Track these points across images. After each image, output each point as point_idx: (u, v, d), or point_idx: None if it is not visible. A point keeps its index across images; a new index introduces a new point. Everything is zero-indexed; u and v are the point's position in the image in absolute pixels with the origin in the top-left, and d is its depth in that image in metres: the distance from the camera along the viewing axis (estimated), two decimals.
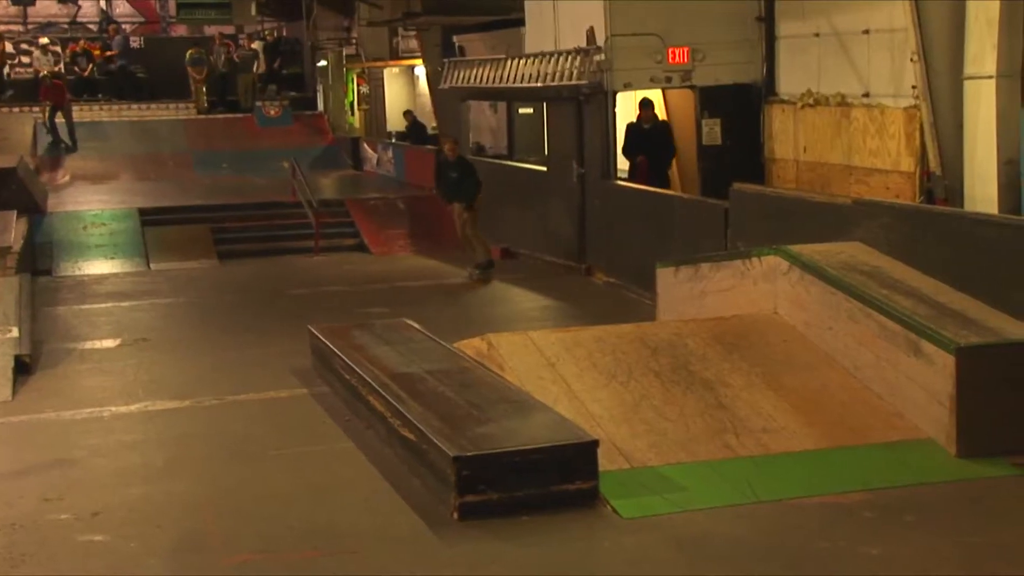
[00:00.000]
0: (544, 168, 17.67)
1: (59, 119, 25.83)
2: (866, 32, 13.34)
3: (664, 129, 16.29)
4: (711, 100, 15.58)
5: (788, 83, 14.87)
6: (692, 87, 15.61)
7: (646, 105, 15.94)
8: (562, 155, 16.76)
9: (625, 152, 15.94)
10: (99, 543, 7.13)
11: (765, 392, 8.69)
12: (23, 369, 11.18)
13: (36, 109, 26.47)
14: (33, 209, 19.66)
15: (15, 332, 11.74)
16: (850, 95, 13.63)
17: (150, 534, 7.21)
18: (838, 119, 13.75)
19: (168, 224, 20.05)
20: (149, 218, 20.16)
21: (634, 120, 16.16)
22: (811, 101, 14.23)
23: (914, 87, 12.16)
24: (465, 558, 6.66)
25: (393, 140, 26.47)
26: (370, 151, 26.61)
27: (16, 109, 26.39)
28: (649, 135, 15.91)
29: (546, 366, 9.10)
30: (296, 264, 18.50)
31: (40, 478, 8.42)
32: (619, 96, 15.74)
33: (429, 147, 23.24)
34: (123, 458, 8.82)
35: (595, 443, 7.46)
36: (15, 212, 18.00)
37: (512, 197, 18.36)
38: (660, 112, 16.67)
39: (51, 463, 8.81)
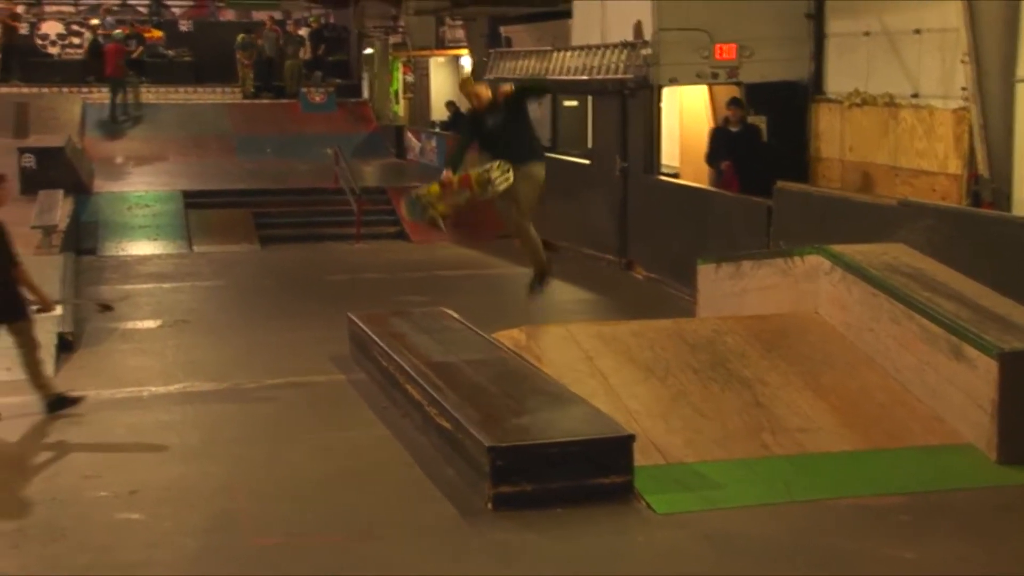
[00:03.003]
0: (587, 161, 17.64)
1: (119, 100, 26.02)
2: (917, 32, 13.20)
3: (754, 132, 15.03)
4: (757, 97, 15.48)
5: (836, 82, 14.75)
6: (738, 84, 15.51)
7: (735, 104, 14.88)
8: (605, 149, 16.72)
9: (709, 159, 14.90)
10: (135, 521, 7.19)
11: (803, 392, 8.64)
12: (66, 347, 11.30)
13: (85, 89, 26.68)
14: (79, 188, 19.84)
15: (59, 310, 11.84)
16: (898, 95, 13.51)
17: (184, 514, 7.27)
18: (885, 119, 13.63)
19: (211, 207, 20.18)
20: (192, 201, 20.30)
21: (720, 124, 15.24)
22: (858, 100, 14.11)
23: (964, 88, 12.04)
24: (497, 548, 6.66)
25: (436, 130, 26.51)
26: (413, 140, 26.66)
27: (65, 89, 26.61)
28: (737, 138, 14.67)
29: (584, 359, 9.09)
30: (336, 251, 18.57)
31: (79, 455, 8.50)
32: (665, 91, 15.67)
33: None
34: (161, 438, 8.88)
35: (631, 437, 7.44)
36: (62, 191, 18.17)
37: (554, 190, 18.22)
38: (705, 109, 16.58)
39: (91, 441, 8.89)
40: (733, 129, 14.63)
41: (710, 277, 11.64)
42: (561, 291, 15.36)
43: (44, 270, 12.89)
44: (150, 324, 11.81)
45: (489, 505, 7.14)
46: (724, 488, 7.45)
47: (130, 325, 12.48)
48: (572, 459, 7.32)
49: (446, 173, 9.91)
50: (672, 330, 9.67)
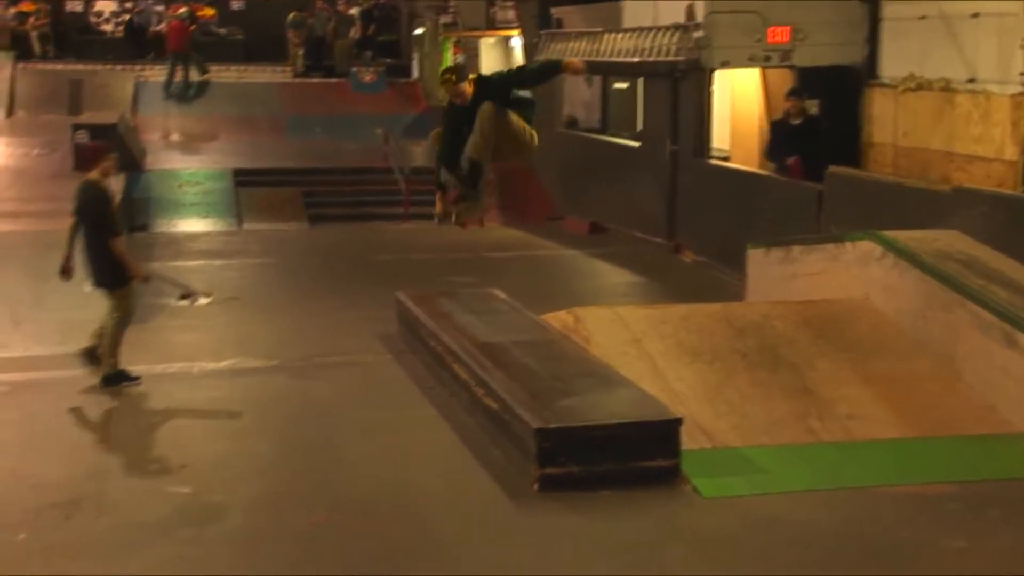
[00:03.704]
0: (637, 144, 17.56)
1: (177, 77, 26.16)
2: (975, 16, 13.00)
3: (816, 124, 14.12)
4: (810, 81, 15.32)
5: (890, 66, 14.57)
6: (791, 67, 15.36)
7: (794, 96, 14.01)
8: (655, 131, 16.64)
9: (770, 154, 14.24)
10: (185, 495, 7.27)
11: (852, 378, 8.58)
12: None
13: (138, 67, 26.84)
14: (131, 165, 19.98)
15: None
16: (954, 80, 13.32)
17: (233, 489, 7.33)
18: (940, 104, 13.45)
19: (261, 186, 20.27)
20: (242, 179, 20.40)
21: (780, 117, 14.31)
22: (913, 85, 13.92)
23: (1022, 74, 11.86)
24: (542, 530, 6.67)
25: None
26: None
27: (119, 67, 26.78)
28: (800, 132, 13.79)
29: (632, 342, 9.07)
30: (384, 230, 18.61)
31: (131, 430, 8.59)
32: (716, 74, 15.56)
33: None
34: (210, 414, 8.97)
35: (678, 421, 7.41)
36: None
37: (603, 172, 18.28)
38: (756, 92, 16.44)
39: (142, 416, 8.98)
40: (794, 122, 13.94)
41: (759, 262, 11.58)
42: (609, 273, 15.36)
43: None
44: (200, 300, 11.88)
45: (535, 486, 7.15)
46: (771, 473, 7.42)
47: (181, 301, 12.55)
48: (619, 442, 7.31)
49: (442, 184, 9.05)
50: (720, 314, 9.63)
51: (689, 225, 15.87)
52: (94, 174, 9.55)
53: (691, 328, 9.26)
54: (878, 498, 7.09)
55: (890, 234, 9.80)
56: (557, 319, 9.70)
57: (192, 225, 18.46)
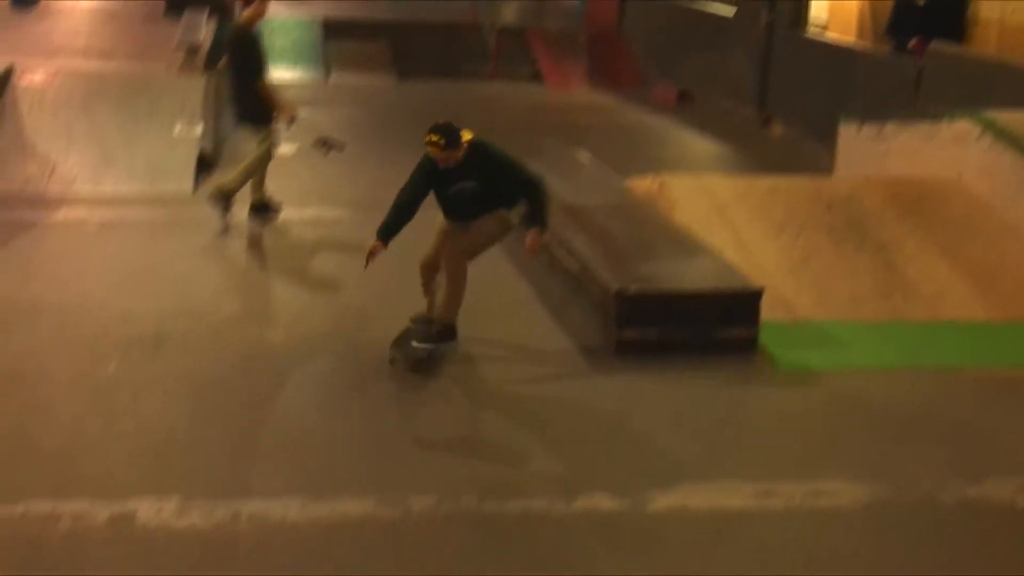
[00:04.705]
0: (731, 12, 17.16)
1: None
2: None
3: (948, 4, 12.99)
4: None
5: None
6: None
7: None
8: (751, 1, 16.24)
9: (891, 32, 13.48)
10: (269, 339, 7.41)
11: (940, 259, 8.45)
12: (205, 166, 11.53)
13: None
14: (222, 11, 19.94)
15: (199, 130, 12.07)
16: None
17: (317, 336, 7.46)
18: None
19: (350, 38, 20.16)
20: (332, 30, 20.29)
21: None
22: None
23: None
24: (616, 392, 6.71)
25: None
26: None
27: None
28: (924, 11, 12.96)
29: (716, 212, 8.99)
30: (471, 89, 18.49)
31: (215, 272, 8.73)
32: None
33: None
34: (295, 260, 9.08)
35: (760, 292, 7.37)
36: (206, 11, 18.33)
37: (695, 40, 17.92)
38: None
39: (228, 259, 9.12)
40: (919, 2, 13.17)
41: (851, 138, 11.35)
42: (696, 142, 15.18)
43: (188, 90, 13.13)
44: (286, 149, 11.92)
45: (612, 349, 7.18)
46: (850, 349, 7.38)
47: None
48: (698, 309, 7.30)
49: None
50: (809, 188, 9.49)
51: (781, 97, 15.57)
52: (244, 17, 9.99)
53: (777, 200, 9.15)
54: (958, 380, 7.03)
55: (989, 114, 9.53)
56: (642, 185, 9.63)
57: (279, 74, 18.38)
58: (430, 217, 7.09)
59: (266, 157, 9.88)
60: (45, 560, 4.78)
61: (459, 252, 6.94)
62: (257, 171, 9.89)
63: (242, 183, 9.79)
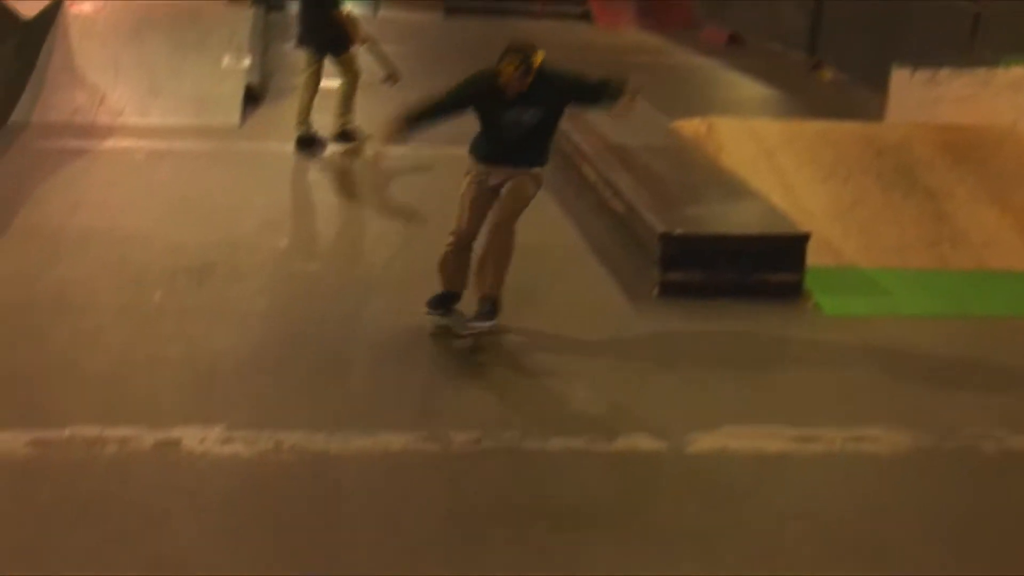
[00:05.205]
0: None
1: None
2: None
3: None
4: None
5: None
6: None
7: None
8: None
9: None
10: (311, 271, 7.45)
11: (991, 207, 8.34)
12: (252, 99, 11.55)
13: None
14: None
15: (247, 62, 12.08)
16: None
17: (359, 270, 7.51)
18: None
19: None
20: None
21: None
22: None
23: None
24: (660, 334, 6.70)
25: None
26: None
27: None
28: None
29: (764, 155, 8.91)
30: (519, 27, 18.33)
31: (262, 205, 8.77)
32: None
33: None
34: (339, 193, 9.11)
35: (806, 236, 7.32)
36: None
37: None
38: None
39: (274, 192, 9.16)
40: None
41: (904, 83, 11.20)
42: (745, 85, 15.03)
43: (236, 22, 13.12)
44: (332, 82, 11.90)
45: (655, 291, 7.17)
46: (896, 296, 7.33)
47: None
48: (743, 253, 7.27)
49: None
50: (858, 133, 9.39)
51: (832, 41, 15.37)
52: None
53: (826, 145, 9.06)
54: (1004, 329, 6.97)
55: None
56: (690, 127, 9.56)
57: None
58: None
59: (355, 82, 10.17)
60: (91, 483, 4.85)
61: (511, 221, 6.33)
62: (352, 96, 10.18)
63: (349, 112, 10.14)
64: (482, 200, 6.33)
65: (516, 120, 6.13)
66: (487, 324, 6.33)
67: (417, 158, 10.16)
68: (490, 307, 6.35)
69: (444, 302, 6.53)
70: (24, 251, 7.49)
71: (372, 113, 10.48)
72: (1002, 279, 7.64)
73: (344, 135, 10.25)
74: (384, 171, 9.71)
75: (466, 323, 6.39)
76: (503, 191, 6.30)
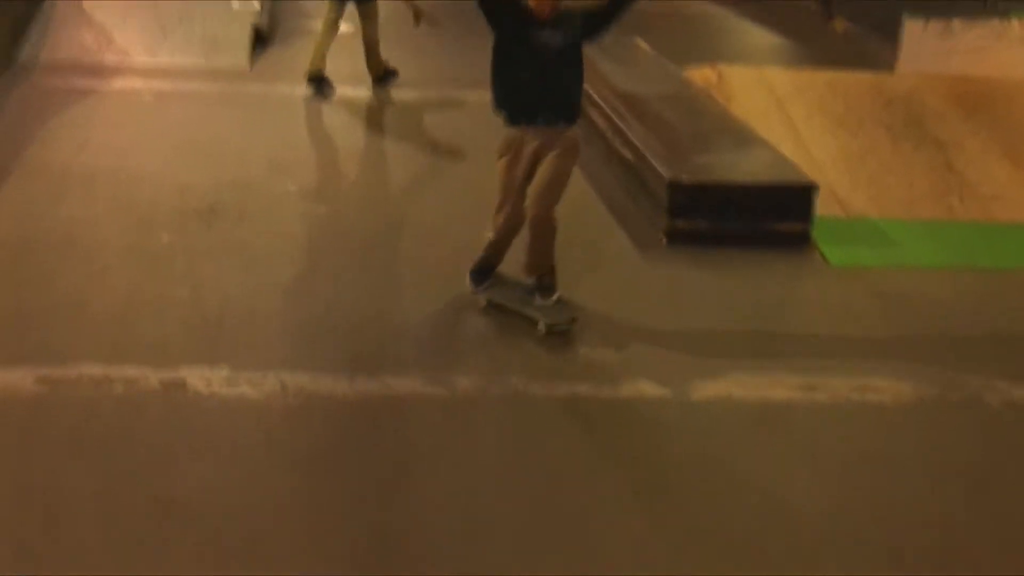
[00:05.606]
0: None
1: None
2: None
3: None
4: None
5: None
6: None
7: None
8: None
9: None
10: (322, 214, 7.44)
11: (1001, 160, 8.31)
12: (261, 42, 11.49)
13: None
14: None
15: (256, 4, 12.01)
16: None
17: (367, 214, 7.48)
18: None
19: None
20: None
21: None
22: None
23: None
24: (667, 282, 6.71)
25: None
26: None
27: None
28: None
29: (774, 105, 8.88)
30: None
31: (271, 148, 8.75)
32: None
33: None
34: (349, 137, 9.07)
35: (814, 187, 7.30)
36: None
37: None
38: None
39: (282, 135, 9.13)
40: None
41: (916, 34, 11.09)
42: (756, 33, 14.91)
43: None
44: (343, 29, 11.86)
45: (664, 239, 7.16)
46: (903, 247, 7.31)
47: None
48: (751, 202, 7.25)
49: None
50: (869, 84, 9.35)
51: None
52: None
53: (837, 95, 9.02)
54: (1011, 282, 6.95)
55: None
56: (700, 75, 9.52)
57: None
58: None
59: (376, 26, 10.07)
60: (98, 422, 4.89)
61: (551, 208, 5.94)
62: (377, 42, 10.13)
63: (378, 54, 10.12)
64: (523, 177, 5.95)
65: (547, 43, 5.77)
66: (552, 298, 6.03)
67: (429, 101, 10.13)
68: (549, 281, 6.06)
69: (486, 272, 6.22)
70: (31, 189, 7.50)
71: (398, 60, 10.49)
72: (1011, 231, 7.61)
73: (386, 75, 10.28)
74: (397, 114, 9.68)
75: (536, 304, 6.03)
76: (541, 170, 5.89)
